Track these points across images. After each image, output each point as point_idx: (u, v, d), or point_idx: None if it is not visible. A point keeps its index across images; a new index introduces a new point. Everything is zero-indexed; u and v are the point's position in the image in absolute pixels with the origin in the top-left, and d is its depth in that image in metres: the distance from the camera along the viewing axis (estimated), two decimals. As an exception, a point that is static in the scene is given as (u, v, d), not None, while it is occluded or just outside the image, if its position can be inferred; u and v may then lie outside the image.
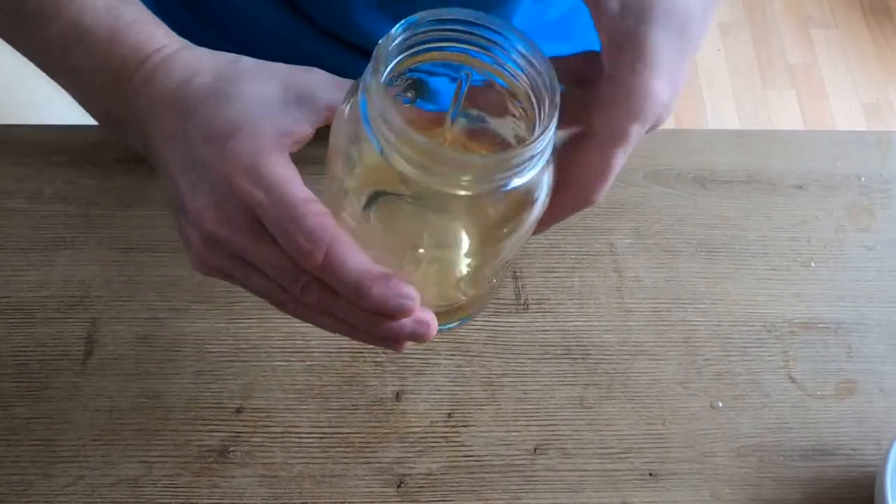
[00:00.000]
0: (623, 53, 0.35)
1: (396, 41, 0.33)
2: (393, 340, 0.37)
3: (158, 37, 0.39)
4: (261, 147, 0.34)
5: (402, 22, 0.34)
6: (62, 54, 0.42)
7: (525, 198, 0.35)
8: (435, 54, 0.35)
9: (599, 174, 0.36)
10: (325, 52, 0.62)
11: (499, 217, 0.36)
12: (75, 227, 0.58)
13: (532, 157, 0.33)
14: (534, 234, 0.38)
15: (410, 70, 0.36)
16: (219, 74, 0.37)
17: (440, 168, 0.32)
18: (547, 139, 0.33)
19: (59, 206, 0.59)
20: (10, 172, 0.60)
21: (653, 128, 0.37)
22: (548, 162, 0.34)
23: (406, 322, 0.35)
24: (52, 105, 1.28)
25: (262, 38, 0.62)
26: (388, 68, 0.34)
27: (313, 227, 0.33)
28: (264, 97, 0.36)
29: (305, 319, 0.37)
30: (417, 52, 0.35)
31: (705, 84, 1.92)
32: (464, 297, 0.42)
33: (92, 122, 0.64)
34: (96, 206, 0.59)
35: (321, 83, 0.38)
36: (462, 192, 0.33)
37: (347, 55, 0.62)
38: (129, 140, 0.42)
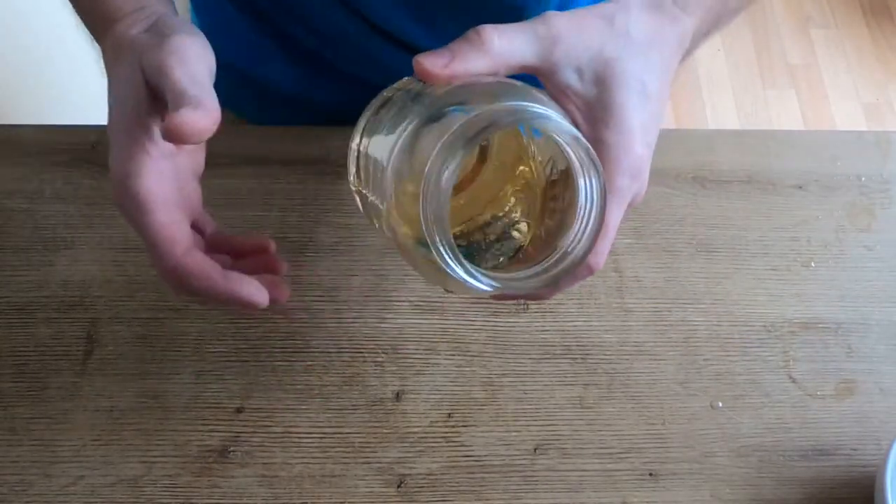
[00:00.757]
0: (596, 118, 0.39)
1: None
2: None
3: (125, 7, 0.42)
4: (128, 167, 0.39)
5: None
6: None
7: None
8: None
9: (601, 238, 0.38)
10: (363, 40, 0.63)
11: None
12: (75, 227, 0.58)
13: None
14: (541, 299, 0.43)
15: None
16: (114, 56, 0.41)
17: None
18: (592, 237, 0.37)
19: (59, 206, 0.59)
20: (10, 172, 0.60)
21: (635, 177, 0.40)
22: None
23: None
24: (52, 105, 1.28)
25: (294, 16, 0.63)
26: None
27: (161, 254, 0.39)
28: (129, 89, 0.40)
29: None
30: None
31: (705, 84, 1.92)
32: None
33: (92, 122, 0.64)
34: (96, 206, 0.59)
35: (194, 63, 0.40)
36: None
37: (384, 45, 0.63)
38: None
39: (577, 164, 0.36)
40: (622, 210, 0.40)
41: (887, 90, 1.95)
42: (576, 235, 0.37)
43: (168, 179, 0.39)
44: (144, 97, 0.39)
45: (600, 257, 0.40)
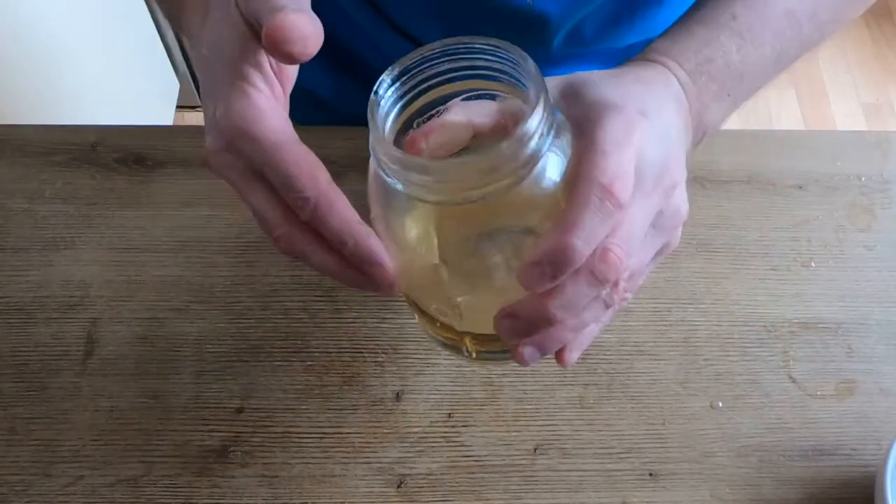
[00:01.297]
0: (577, 118, 0.37)
1: (385, 100, 0.36)
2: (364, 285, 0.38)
3: None
4: (253, 108, 0.35)
5: (381, 83, 0.36)
6: None
7: (546, 180, 0.35)
8: (423, 99, 0.37)
9: (594, 157, 0.35)
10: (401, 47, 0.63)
11: (537, 211, 0.36)
12: (75, 227, 0.58)
13: (531, 137, 0.33)
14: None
15: (417, 115, 0.38)
16: (220, 18, 0.38)
17: (453, 178, 0.33)
18: (539, 117, 0.33)
19: (59, 206, 0.59)
20: (10, 172, 0.60)
21: (631, 126, 0.36)
22: (554, 145, 0.35)
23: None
24: (53, 105, 1.28)
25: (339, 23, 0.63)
26: (388, 127, 0.36)
27: (302, 186, 0.35)
28: (247, 43, 0.37)
29: (296, 257, 0.38)
30: (409, 103, 0.37)
31: (705, 84, 1.92)
32: None
33: (92, 122, 0.64)
34: (96, 206, 0.59)
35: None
36: (491, 190, 0.33)
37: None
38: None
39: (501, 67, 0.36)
40: (624, 149, 0.35)
41: (887, 90, 1.96)
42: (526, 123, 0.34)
43: (285, 118, 0.37)
44: (245, 33, 0.36)
45: (601, 171, 0.34)
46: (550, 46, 0.59)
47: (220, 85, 0.36)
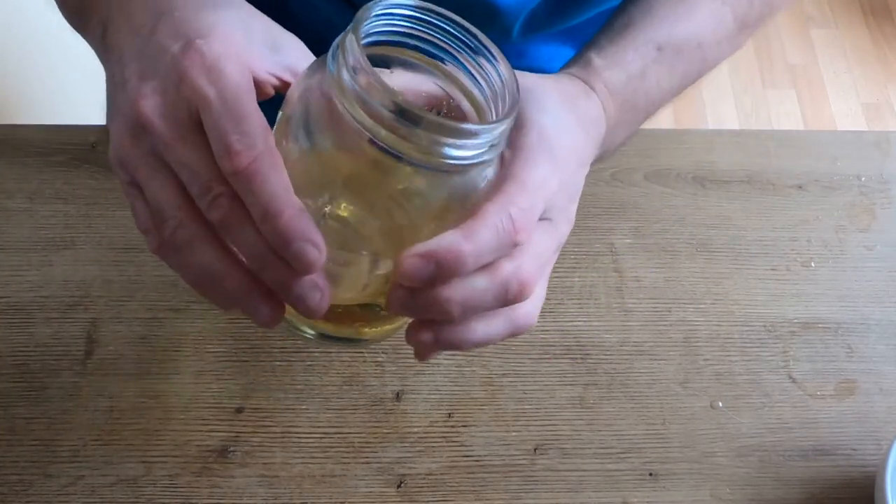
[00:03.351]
0: (511, 136, 0.37)
1: (374, 20, 0.34)
2: (277, 291, 0.33)
3: None
4: (229, 52, 0.33)
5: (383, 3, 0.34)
6: None
7: (463, 186, 0.35)
8: (409, 52, 0.36)
9: (513, 188, 0.35)
10: None
11: (434, 203, 0.36)
12: (75, 227, 0.58)
13: (485, 134, 0.33)
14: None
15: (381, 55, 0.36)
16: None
17: (401, 123, 0.31)
18: (501, 128, 0.33)
19: (59, 206, 0.59)
20: (10, 172, 0.60)
21: (554, 171, 0.37)
22: (492, 162, 0.35)
23: (301, 280, 0.33)
24: (52, 105, 1.28)
25: (312, 22, 0.62)
26: (365, 35, 0.34)
27: (252, 132, 0.31)
28: (247, 23, 0.36)
29: (178, 257, 0.34)
30: (392, 42, 0.36)
31: (705, 84, 1.92)
32: (376, 304, 0.40)
33: (92, 122, 0.64)
34: (96, 206, 0.59)
35: (295, 43, 0.38)
36: (412, 155, 0.32)
37: None
38: (83, 28, 0.41)
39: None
40: (540, 189, 0.36)
41: (887, 90, 1.96)
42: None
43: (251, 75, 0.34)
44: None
45: (513, 204, 0.34)
46: (511, 35, 0.60)
47: (194, 23, 0.34)
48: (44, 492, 0.49)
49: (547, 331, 0.55)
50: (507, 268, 0.35)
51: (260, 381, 0.53)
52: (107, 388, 0.52)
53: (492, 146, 0.34)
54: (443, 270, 0.33)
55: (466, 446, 0.51)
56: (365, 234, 0.37)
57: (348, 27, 0.33)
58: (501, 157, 0.36)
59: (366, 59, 0.32)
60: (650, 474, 0.51)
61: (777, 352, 0.55)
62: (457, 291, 0.34)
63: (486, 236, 0.33)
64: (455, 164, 0.33)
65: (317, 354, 0.54)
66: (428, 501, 0.50)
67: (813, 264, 0.59)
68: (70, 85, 1.31)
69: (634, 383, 0.54)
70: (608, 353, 0.55)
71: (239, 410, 0.52)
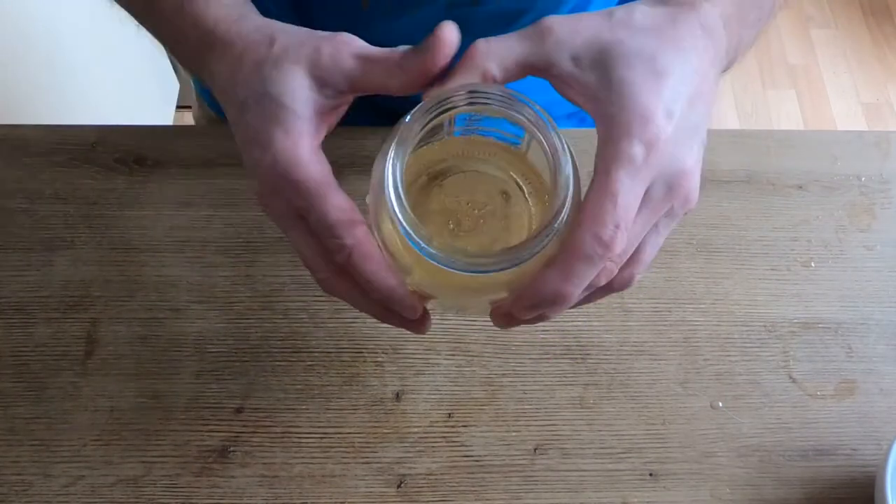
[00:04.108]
0: (599, 99, 0.37)
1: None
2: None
3: (207, 14, 0.42)
4: (296, 153, 0.37)
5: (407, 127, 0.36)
6: (144, 18, 0.48)
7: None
8: (464, 108, 0.37)
9: (605, 201, 0.35)
10: None
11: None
12: (75, 227, 0.58)
13: (548, 233, 0.35)
14: (560, 302, 0.37)
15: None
16: (256, 67, 0.39)
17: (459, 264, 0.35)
18: (554, 228, 0.35)
19: (59, 206, 0.59)
20: (10, 172, 0.60)
21: (648, 149, 0.36)
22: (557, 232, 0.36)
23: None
24: (53, 105, 1.28)
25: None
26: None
27: (340, 232, 0.37)
28: (290, 94, 0.38)
29: (331, 293, 0.42)
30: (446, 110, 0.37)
31: (705, 84, 1.92)
32: None
33: (92, 122, 0.64)
34: (96, 206, 0.59)
35: (344, 59, 0.39)
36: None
37: None
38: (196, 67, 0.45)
39: (534, 131, 0.36)
40: (635, 179, 0.35)
41: (887, 90, 1.96)
42: (557, 209, 0.35)
43: (325, 163, 0.39)
44: (293, 74, 0.39)
45: (605, 226, 0.35)
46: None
47: (262, 128, 0.38)
48: (44, 492, 0.49)
49: (547, 331, 0.55)
50: (606, 278, 0.37)
51: (260, 381, 0.53)
52: (107, 388, 0.52)
53: (550, 235, 0.35)
54: (552, 309, 0.37)
55: (466, 446, 0.51)
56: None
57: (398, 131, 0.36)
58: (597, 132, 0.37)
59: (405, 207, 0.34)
60: (650, 474, 0.51)
61: (777, 352, 0.55)
62: (559, 310, 0.38)
63: (583, 270, 0.35)
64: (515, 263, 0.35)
65: (317, 354, 0.54)
66: (428, 501, 0.50)
67: (813, 264, 0.59)
68: (70, 85, 1.31)
69: (634, 383, 0.54)
70: (608, 353, 0.55)
71: (239, 410, 0.52)
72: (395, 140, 0.35)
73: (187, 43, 0.43)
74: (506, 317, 0.39)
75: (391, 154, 0.35)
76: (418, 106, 0.36)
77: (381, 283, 0.38)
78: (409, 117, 0.36)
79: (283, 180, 0.37)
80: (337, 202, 0.37)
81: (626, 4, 0.39)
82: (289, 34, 0.40)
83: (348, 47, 0.39)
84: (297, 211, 0.38)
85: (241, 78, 0.40)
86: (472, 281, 0.37)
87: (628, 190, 0.35)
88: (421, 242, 0.35)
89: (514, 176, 0.41)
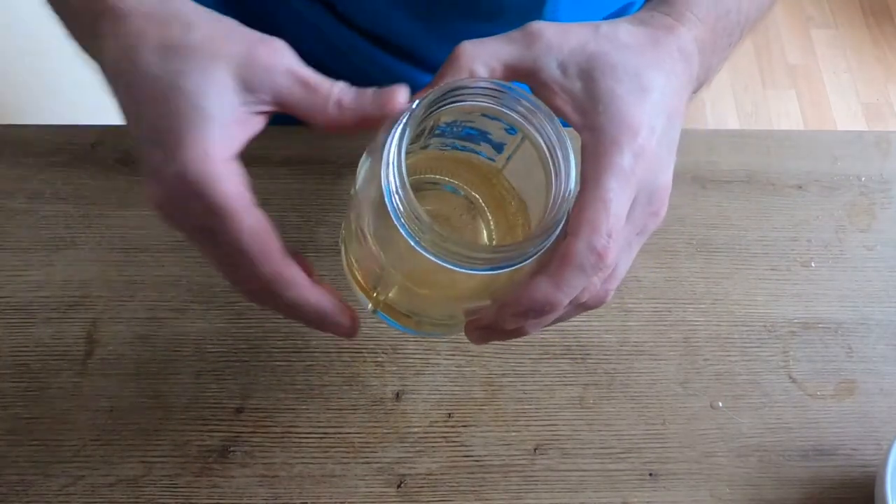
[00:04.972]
0: (586, 109, 0.37)
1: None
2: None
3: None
4: (209, 165, 0.34)
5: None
6: None
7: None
8: (456, 108, 0.37)
9: (598, 211, 0.35)
10: (361, 49, 0.62)
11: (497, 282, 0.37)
12: (75, 227, 0.58)
13: (552, 233, 0.35)
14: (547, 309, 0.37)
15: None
16: (165, 52, 0.34)
17: (449, 255, 0.34)
18: (556, 232, 0.35)
19: (59, 206, 0.59)
20: (10, 172, 0.60)
21: (636, 161, 0.36)
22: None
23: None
24: (52, 105, 1.28)
25: (295, 28, 0.62)
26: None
27: (256, 263, 0.35)
28: (209, 94, 0.34)
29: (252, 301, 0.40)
30: (443, 107, 0.37)
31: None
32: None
33: (92, 122, 0.64)
34: (96, 206, 0.59)
35: (276, 71, 0.35)
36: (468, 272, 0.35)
37: (382, 54, 0.62)
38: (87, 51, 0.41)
39: (527, 128, 0.36)
40: (625, 190, 0.35)
41: (887, 90, 1.96)
42: (550, 208, 0.35)
43: (241, 176, 0.35)
44: (238, 96, 0.35)
45: (599, 235, 0.34)
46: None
47: (169, 129, 0.34)
48: (44, 492, 0.49)
49: (547, 331, 0.55)
50: (587, 293, 0.37)
51: (260, 381, 0.53)
52: (107, 388, 0.52)
53: (539, 247, 0.35)
54: (537, 320, 0.36)
55: (466, 446, 0.51)
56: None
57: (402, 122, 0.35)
58: (583, 147, 0.37)
59: (411, 196, 0.33)
60: (650, 474, 0.51)
61: (777, 352, 0.55)
62: (540, 324, 0.37)
63: (575, 280, 0.35)
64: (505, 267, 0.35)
65: (317, 354, 0.54)
66: (428, 501, 0.50)
67: (813, 264, 0.59)
68: (70, 85, 1.31)
69: (634, 383, 0.54)
70: (608, 353, 0.55)
71: (239, 410, 0.52)
72: (398, 133, 0.34)
73: (82, 14, 0.38)
74: (484, 329, 0.38)
75: (394, 141, 0.34)
76: (424, 96, 0.35)
77: (308, 307, 0.37)
78: (416, 105, 0.35)
79: (192, 195, 0.33)
80: (250, 224, 0.34)
81: (610, 21, 0.40)
82: (212, 22, 0.36)
83: (283, 59, 0.36)
84: (205, 227, 0.35)
85: (142, 60, 0.34)
86: (459, 282, 0.36)
87: (619, 199, 0.35)
88: (419, 231, 0.34)
89: (478, 197, 0.41)
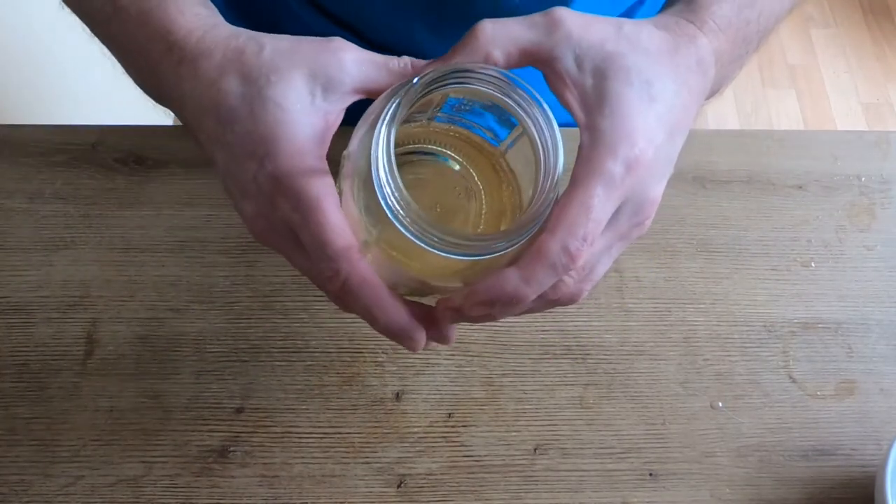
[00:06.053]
0: (591, 106, 0.37)
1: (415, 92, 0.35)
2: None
3: (179, 23, 0.39)
4: (297, 165, 0.36)
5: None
6: (104, 26, 0.44)
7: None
8: (459, 89, 0.37)
9: (579, 214, 0.35)
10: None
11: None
12: (75, 227, 0.58)
13: (529, 230, 0.34)
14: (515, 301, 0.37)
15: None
16: (246, 75, 0.37)
17: (442, 245, 0.34)
18: (544, 213, 0.35)
19: (59, 206, 0.59)
20: (10, 172, 0.60)
21: (628, 170, 0.36)
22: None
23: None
24: (52, 105, 1.28)
25: (284, 23, 0.63)
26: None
27: (335, 255, 0.36)
28: (293, 99, 0.37)
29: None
30: (437, 88, 0.36)
31: (705, 84, 1.92)
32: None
33: (92, 122, 0.64)
34: (96, 206, 0.59)
35: (346, 64, 0.38)
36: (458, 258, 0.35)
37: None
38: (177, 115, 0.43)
39: (520, 113, 0.36)
40: (611, 197, 0.35)
41: (887, 90, 1.95)
42: (532, 204, 0.35)
43: (330, 178, 0.37)
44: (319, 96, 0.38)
45: (575, 238, 0.35)
46: None
47: (261, 135, 0.36)
48: (44, 492, 0.49)
49: (547, 331, 0.55)
50: (559, 291, 0.37)
51: (260, 381, 0.53)
52: (107, 388, 0.52)
53: (523, 236, 0.35)
54: (503, 310, 0.36)
55: (466, 446, 0.51)
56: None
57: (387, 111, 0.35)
58: (580, 147, 0.37)
59: (406, 195, 0.33)
60: (650, 474, 0.51)
61: (777, 352, 0.55)
62: (508, 313, 0.37)
63: (545, 277, 0.35)
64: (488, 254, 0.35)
65: (317, 354, 0.54)
66: (428, 501, 0.50)
67: (813, 264, 0.59)
68: (71, 85, 1.31)
69: (634, 383, 0.54)
70: (608, 353, 0.55)
71: (239, 410, 0.52)
72: (391, 111, 0.34)
73: (148, 55, 0.41)
74: (452, 311, 0.38)
75: (386, 118, 0.34)
76: (424, 73, 0.35)
77: (382, 314, 0.37)
78: (415, 81, 0.35)
79: (283, 191, 0.36)
80: (334, 221, 0.36)
81: (634, 21, 0.39)
82: (276, 40, 0.39)
83: (348, 52, 0.38)
84: (290, 229, 0.37)
85: (225, 87, 0.37)
86: (434, 261, 0.36)
87: (602, 206, 0.35)
88: (399, 207, 0.34)
89: (475, 175, 0.41)
